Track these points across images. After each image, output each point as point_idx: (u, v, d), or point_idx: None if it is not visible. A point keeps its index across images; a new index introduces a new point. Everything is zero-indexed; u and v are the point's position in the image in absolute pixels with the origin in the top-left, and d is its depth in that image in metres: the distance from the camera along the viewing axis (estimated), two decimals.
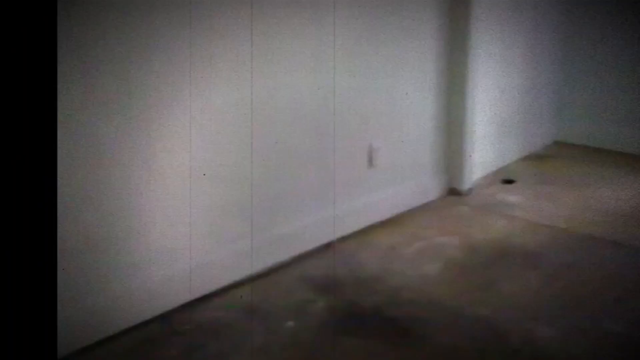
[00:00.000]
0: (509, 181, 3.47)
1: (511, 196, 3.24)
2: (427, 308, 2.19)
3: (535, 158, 3.90)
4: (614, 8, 3.89)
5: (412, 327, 2.07)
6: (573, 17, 4.04)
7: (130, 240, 2.01)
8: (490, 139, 3.55)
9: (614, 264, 2.52)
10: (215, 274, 2.26)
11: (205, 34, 2.10)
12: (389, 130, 2.90)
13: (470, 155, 3.24)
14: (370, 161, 2.83)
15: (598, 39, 3.97)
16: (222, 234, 2.28)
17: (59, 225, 1.27)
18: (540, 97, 3.99)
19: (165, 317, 2.10)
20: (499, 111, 3.60)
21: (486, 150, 3.50)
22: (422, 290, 2.30)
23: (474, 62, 3.15)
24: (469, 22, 3.07)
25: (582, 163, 3.78)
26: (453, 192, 3.27)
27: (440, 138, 3.20)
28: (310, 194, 2.58)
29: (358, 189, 2.80)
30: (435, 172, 3.23)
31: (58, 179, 1.59)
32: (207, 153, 2.17)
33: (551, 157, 3.91)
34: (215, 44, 2.14)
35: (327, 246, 2.63)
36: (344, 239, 2.71)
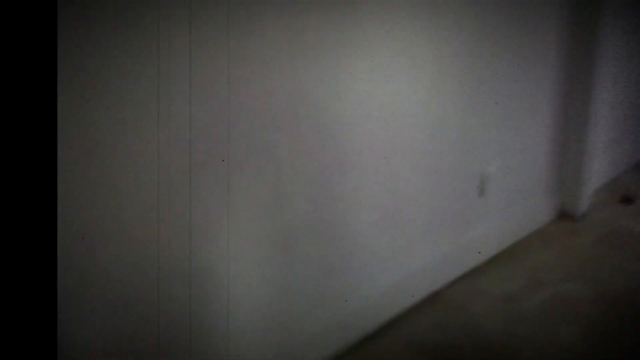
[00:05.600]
0: (627, 199, 2.99)
1: (636, 224, 2.77)
2: None
3: None
4: None
5: None
6: None
7: None
8: (601, 147, 3.06)
9: None
10: None
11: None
12: (501, 154, 2.44)
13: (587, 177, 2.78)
14: (481, 190, 2.39)
15: None
16: None
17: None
18: None
19: None
20: (609, 122, 3.09)
21: (597, 160, 3.01)
22: None
23: (596, 82, 2.65)
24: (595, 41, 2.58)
25: None
26: (565, 215, 2.82)
27: (551, 156, 2.73)
28: (419, 233, 2.17)
29: (469, 222, 2.38)
30: (546, 193, 2.77)
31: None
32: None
33: None
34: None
35: (433, 297, 2.23)
36: (452, 285, 2.31)
